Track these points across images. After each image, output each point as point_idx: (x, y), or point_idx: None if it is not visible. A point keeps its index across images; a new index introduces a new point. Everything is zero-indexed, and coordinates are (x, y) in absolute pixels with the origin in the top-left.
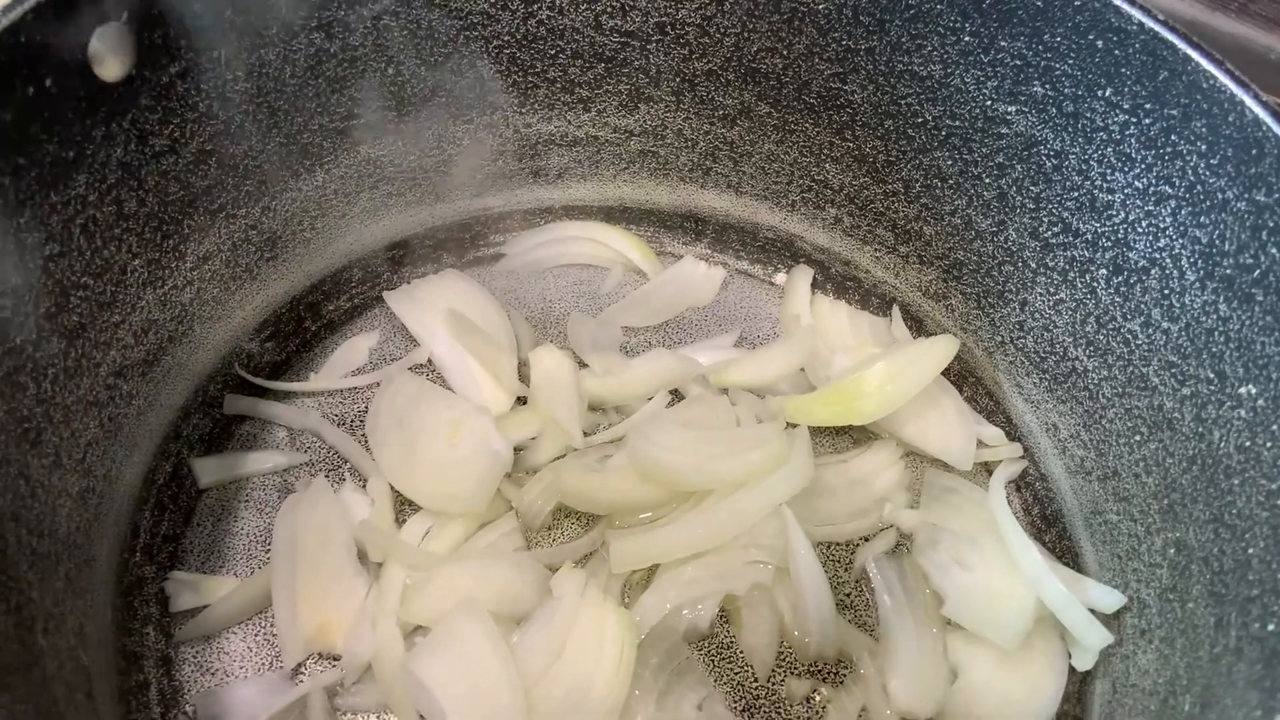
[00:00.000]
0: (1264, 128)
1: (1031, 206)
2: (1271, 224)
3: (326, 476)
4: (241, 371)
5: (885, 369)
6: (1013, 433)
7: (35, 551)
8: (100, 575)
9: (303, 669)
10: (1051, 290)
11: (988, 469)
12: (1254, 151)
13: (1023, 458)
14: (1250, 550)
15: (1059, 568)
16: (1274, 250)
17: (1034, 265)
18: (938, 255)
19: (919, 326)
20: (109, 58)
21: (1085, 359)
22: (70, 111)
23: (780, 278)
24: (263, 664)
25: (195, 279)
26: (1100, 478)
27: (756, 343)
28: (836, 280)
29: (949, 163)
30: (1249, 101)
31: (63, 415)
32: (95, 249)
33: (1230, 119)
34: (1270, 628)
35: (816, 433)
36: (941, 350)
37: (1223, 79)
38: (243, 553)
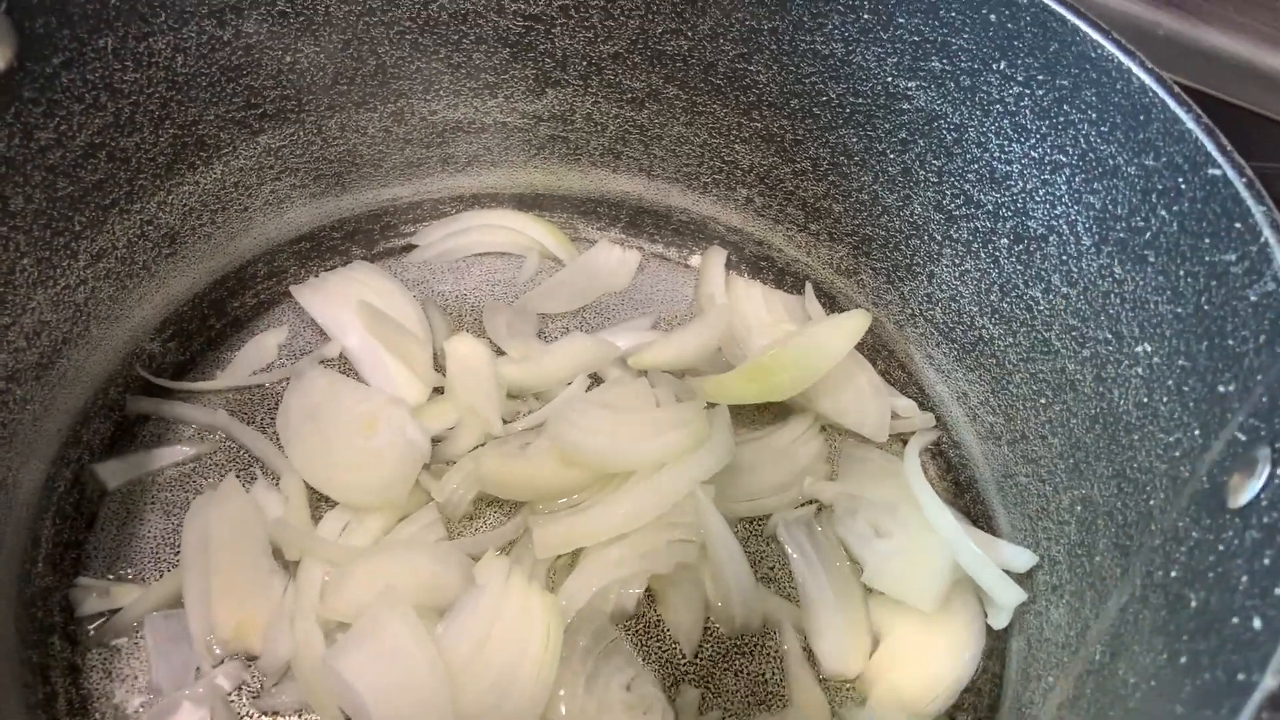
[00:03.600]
0: (1150, 94)
1: (935, 180)
2: (1160, 187)
3: (237, 476)
4: (143, 373)
5: (800, 345)
6: (925, 403)
7: None
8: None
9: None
10: (957, 261)
11: (902, 439)
12: (1141, 118)
13: (936, 427)
14: (1151, 501)
15: (974, 531)
16: (1163, 212)
17: (939, 238)
18: (847, 232)
19: (832, 303)
20: None
21: (991, 327)
22: None
23: (695, 260)
24: (175, 668)
25: (89, 278)
26: (1009, 442)
27: (673, 325)
28: (750, 260)
29: (854, 140)
30: (1135, 69)
31: None
32: None
33: (1119, 86)
34: (1173, 574)
35: (736, 411)
36: (854, 325)
37: (1110, 48)
38: (150, 556)
